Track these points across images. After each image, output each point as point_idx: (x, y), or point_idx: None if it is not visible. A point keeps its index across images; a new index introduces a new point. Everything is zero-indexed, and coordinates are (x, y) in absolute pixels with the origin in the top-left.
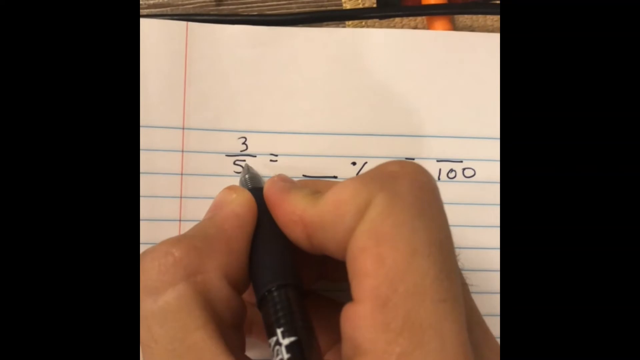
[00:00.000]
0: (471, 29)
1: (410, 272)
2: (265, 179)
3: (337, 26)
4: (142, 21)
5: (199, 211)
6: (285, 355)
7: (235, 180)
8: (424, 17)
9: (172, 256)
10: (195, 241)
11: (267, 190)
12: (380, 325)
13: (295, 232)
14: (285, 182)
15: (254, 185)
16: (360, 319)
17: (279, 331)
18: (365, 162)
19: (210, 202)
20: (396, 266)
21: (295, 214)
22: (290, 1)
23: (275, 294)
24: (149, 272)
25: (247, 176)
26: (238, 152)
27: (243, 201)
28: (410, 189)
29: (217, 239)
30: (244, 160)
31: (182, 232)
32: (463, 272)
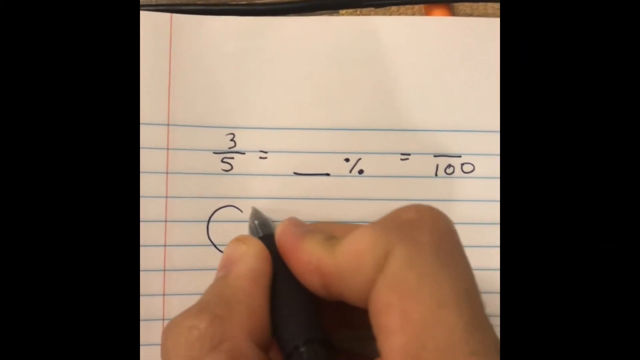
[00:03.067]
0: (471, 17)
1: (438, 326)
2: (276, 223)
3: (331, 15)
4: None
5: (185, 212)
6: None
7: (224, 179)
8: (421, 6)
9: (197, 329)
10: (215, 308)
11: (280, 238)
12: None
13: (312, 282)
14: (298, 228)
15: (265, 233)
16: None
17: None
18: (359, 159)
19: (197, 202)
20: (423, 321)
21: (311, 264)
22: None
23: (302, 349)
24: (176, 350)
25: (256, 222)
26: (226, 149)
27: (255, 252)
28: (431, 237)
29: (236, 302)
30: (232, 158)
31: (168, 233)
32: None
